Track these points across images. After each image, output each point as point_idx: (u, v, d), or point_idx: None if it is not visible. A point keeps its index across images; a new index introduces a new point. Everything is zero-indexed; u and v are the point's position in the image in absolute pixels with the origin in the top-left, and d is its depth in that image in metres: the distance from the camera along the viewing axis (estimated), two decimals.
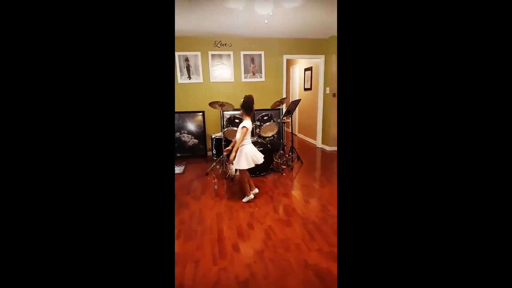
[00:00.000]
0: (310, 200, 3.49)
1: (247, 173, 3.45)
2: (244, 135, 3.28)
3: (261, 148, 4.29)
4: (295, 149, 5.32)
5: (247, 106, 3.33)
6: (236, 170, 3.64)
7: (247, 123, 3.27)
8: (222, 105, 4.54)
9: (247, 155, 3.32)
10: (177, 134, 5.76)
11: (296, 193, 3.76)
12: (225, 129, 4.48)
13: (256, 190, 3.55)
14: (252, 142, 4.10)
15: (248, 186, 3.47)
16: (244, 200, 3.46)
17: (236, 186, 3.97)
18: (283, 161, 4.97)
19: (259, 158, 3.41)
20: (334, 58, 5.77)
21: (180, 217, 3.09)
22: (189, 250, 2.42)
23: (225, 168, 4.70)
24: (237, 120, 4.43)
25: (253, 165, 3.36)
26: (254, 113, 3.30)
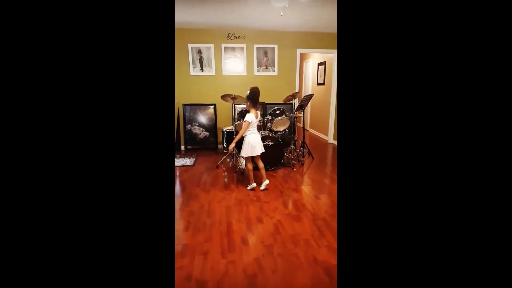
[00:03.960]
0: (320, 195, 3.46)
1: (250, 162, 3.65)
2: (246, 128, 3.44)
3: (272, 142, 4.27)
4: (306, 144, 5.27)
5: (255, 97, 3.45)
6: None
7: (249, 116, 3.43)
8: (234, 98, 4.52)
9: (248, 144, 3.48)
10: (188, 126, 5.77)
11: (306, 188, 3.73)
12: (237, 123, 4.47)
13: (267, 181, 3.65)
14: (264, 136, 4.13)
15: (251, 174, 3.62)
16: (248, 187, 3.64)
17: (246, 179, 3.95)
18: (294, 156, 4.94)
19: (258, 149, 3.54)
20: None
21: (189, 209, 3.10)
22: (198, 242, 2.43)
23: (235, 162, 4.70)
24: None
25: (251, 154, 3.53)
26: (261, 106, 3.49)
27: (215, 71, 5.66)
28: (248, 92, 3.44)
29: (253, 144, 3.47)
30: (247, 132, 3.49)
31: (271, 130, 4.60)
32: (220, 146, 5.94)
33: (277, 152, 4.38)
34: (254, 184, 3.63)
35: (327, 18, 4.64)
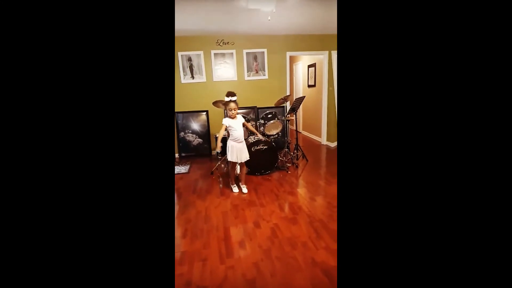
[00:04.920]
0: (316, 197, 3.48)
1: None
2: None
3: (265, 146, 4.28)
4: (299, 146, 5.30)
5: None
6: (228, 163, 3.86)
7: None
8: (226, 104, 4.52)
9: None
10: (182, 133, 5.76)
11: (301, 190, 3.75)
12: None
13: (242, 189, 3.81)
14: (257, 140, 4.16)
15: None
16: (233, 188, 3.81)
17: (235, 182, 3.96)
18: (288, 159, 4.96)
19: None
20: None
21: (186, 216, 3.09)
22: (196, 249, 2.43)
23: (230, 167, 4.69)
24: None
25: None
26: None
27: (205, 77, 5.67)
28: (236, 97, 3.54)
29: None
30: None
31: (264, 134, 4.62)
32: (214, 152, 5.93)
33: (271, 155, 4.39)
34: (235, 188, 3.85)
35: (315, 21, 4.69)
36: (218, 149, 3.59)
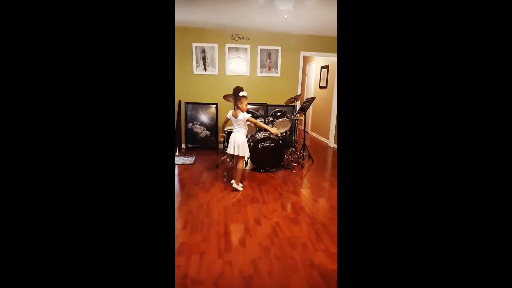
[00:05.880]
0: (319, 199, 3.46)
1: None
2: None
3: (272, 144, 4.27)
4: (306, 147, 5.28)
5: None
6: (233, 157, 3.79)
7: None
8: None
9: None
10: (190, 125, 5.77)
11: (305, 191, 3.74)
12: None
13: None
14: (264, 137, 4.15)
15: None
16: (239, 187, 3.63)
17: (246, 180, 3.96)
18: (293, 158, 4.94)
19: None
20: None
21: (188, 207, 3.10)
22: (195, 241, 2.43)
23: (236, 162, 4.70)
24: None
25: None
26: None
27: (218, 70, 5.67)
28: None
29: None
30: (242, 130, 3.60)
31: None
32: (220, 146, 5.94)
33: (277, 153, 4.39)
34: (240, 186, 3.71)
35: (331, 22, 4.64)
36: (278, 133, 3.73)
